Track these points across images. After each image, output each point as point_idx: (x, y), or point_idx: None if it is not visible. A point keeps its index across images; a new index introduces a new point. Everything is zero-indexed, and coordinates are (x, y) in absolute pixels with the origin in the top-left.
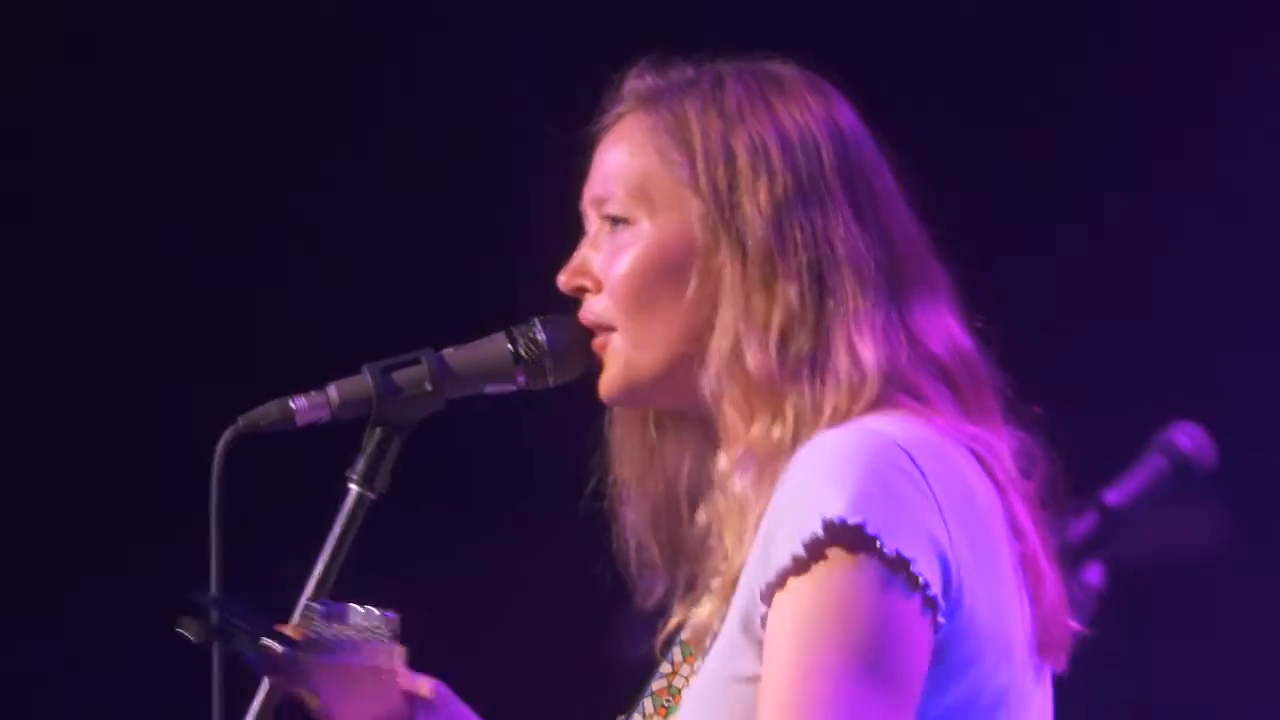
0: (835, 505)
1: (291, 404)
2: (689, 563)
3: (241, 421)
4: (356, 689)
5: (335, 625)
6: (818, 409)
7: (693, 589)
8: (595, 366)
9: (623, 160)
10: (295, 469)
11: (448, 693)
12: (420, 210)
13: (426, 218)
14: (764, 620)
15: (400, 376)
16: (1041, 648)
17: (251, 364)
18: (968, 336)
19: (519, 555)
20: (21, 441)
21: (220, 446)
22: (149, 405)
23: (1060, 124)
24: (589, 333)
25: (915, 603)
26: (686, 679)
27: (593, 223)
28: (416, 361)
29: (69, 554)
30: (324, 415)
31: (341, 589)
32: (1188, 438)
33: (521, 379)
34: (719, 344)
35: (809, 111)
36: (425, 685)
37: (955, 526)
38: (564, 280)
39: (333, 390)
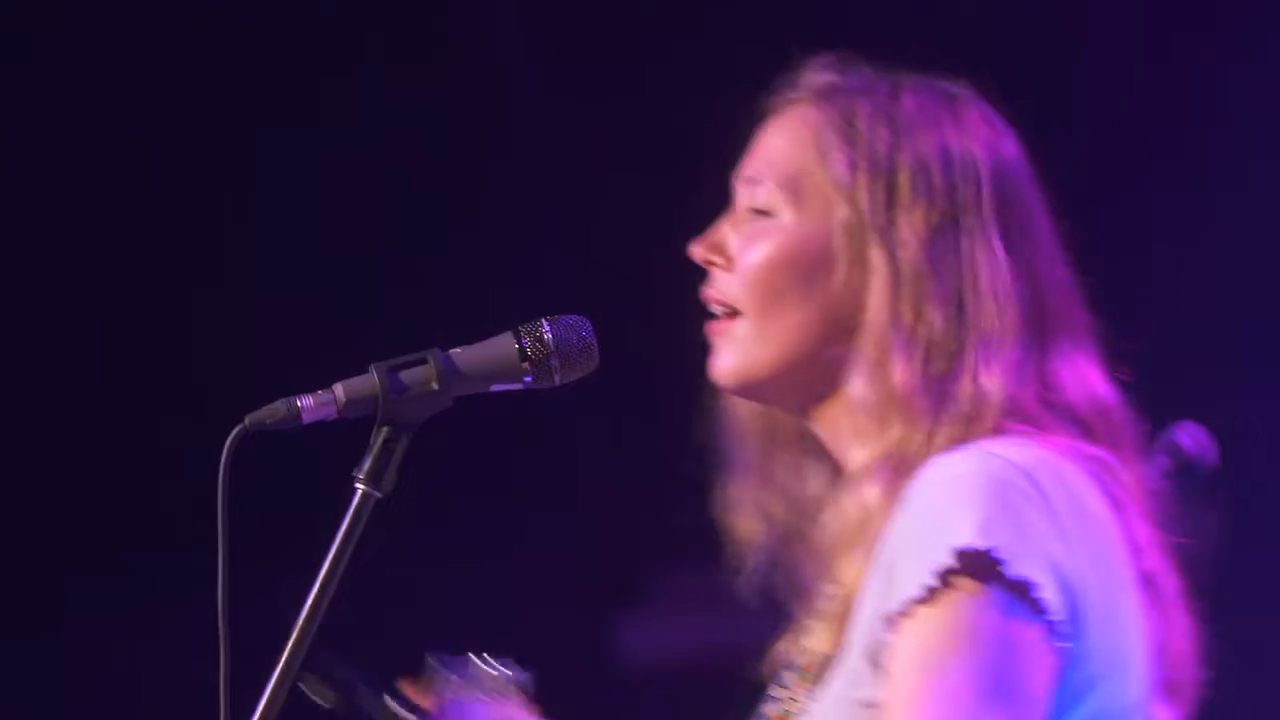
0: (963, 533)
1: (298, 402)
2: (789, 564)
3: (248, 420)
4: None
5: (461, 682)
6: (937, 433)
7: (801, 609)
8: (599, 367)
9: (781, 148)
10: (301, 468)
11: None
12: (424, 211)
13: (430, 218)
14: (887, 647)
15: (407, 375)
16: (1169, 691)
17: (256, 363)
18: (1108, 384)
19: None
20: (24, 442)
21: (227, 445)
22: (154, 404)
23: (1050, 124)
24: (591, 337)
25: (1039, 627)
26: (799, 703)
27: (741, 199)
28: (423, 361)
29: (72, 554)
30: (330, 414)
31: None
32: (1190, 438)
33: (528, 378)
34: (868, 351)
35: (976, 140)
36: None
37: (1076, 547)
38: (698, 252)
39: (339, 389)
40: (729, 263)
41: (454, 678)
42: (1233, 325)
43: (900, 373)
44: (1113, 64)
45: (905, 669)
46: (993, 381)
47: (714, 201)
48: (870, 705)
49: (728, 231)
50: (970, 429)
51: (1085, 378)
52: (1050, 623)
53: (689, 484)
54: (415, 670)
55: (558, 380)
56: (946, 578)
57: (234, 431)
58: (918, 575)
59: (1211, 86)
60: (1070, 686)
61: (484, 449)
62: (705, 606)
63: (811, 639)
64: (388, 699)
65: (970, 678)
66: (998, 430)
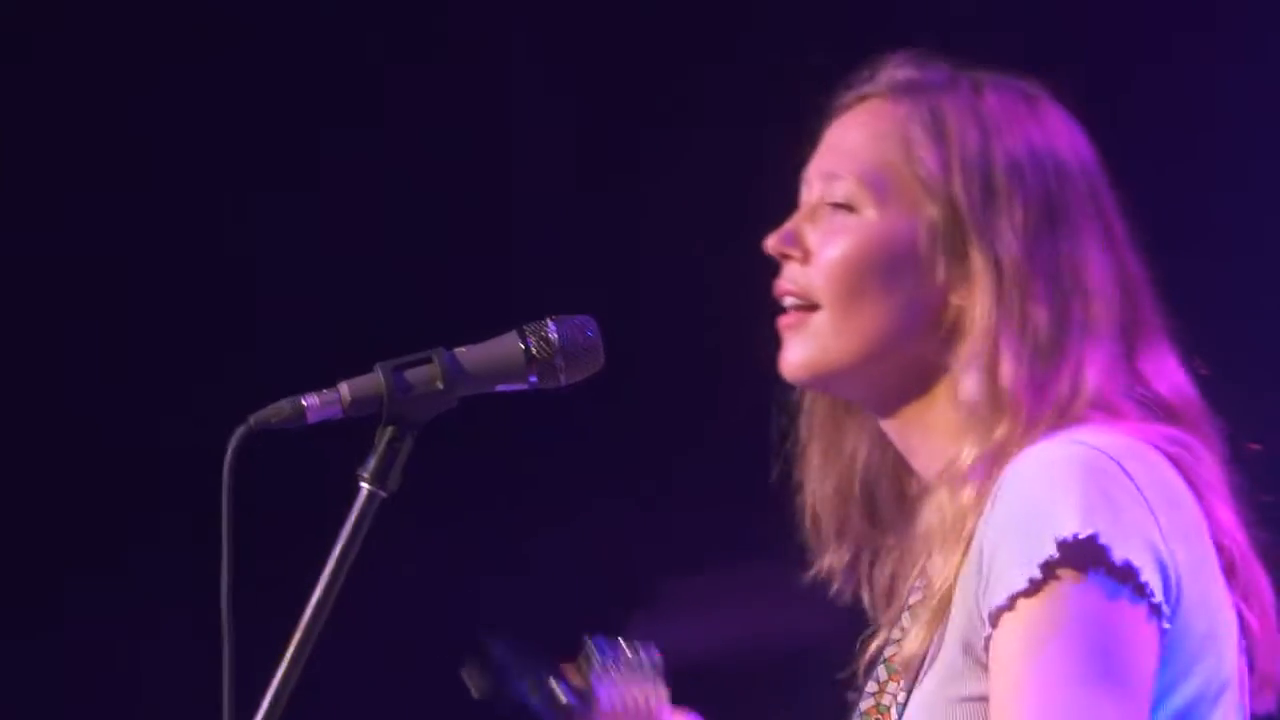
0: (1066, 523)
1: (303, 401)
2: (863, 548)
3: (253, 419)
4: None
5: (611, 666)
6: (1035, 428)
7: (890, 604)
8: (603, 367)
9: (863, 142)
10: (307, 467)
11: None
12: (425, 210)
13: (432, 218)
14: (988, 642)
15: (412, 375)
16: (1260, 678)
17: (256, 363)
18: (1188, 379)
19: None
20: (28, 443)
21: (232, 444)
22: (159, 402)
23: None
24: (597, 336)
25: (1142, 609)
26: (895, 697)
27: (814, 193)
28: (428, 360)
29: (78, 553)
30: (336, 413)
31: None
32: None
33: (533, 378)
34: (977, 351)
35: (1060, 139)
36: None
37: (1168, 529)
38: (773, 244)
39: (344, 388)
40: (806, 256)
41: (608, 661)
42: (1233, 325)
43: (1009, 372)
44: (1113, 64)
45: (1011, 660)
46: (1091, 377)
47: (709, 209)
48: (969, 700)
49: (803, 224)
50: (1060, 420)
51: (1171, 373)
52: (1153, 605)
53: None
54: (572, 655)
55: (563, 380)
56: (1050, 568)
57: (239, 431)
58: (1021, 567)
59: (1211, 87)
60: (1172, 667)
61: (484, 452)
62: (718, 606)
63: (905, 636)
64: (552, 681)
65: (1075, 663)
66: (1081, 420)
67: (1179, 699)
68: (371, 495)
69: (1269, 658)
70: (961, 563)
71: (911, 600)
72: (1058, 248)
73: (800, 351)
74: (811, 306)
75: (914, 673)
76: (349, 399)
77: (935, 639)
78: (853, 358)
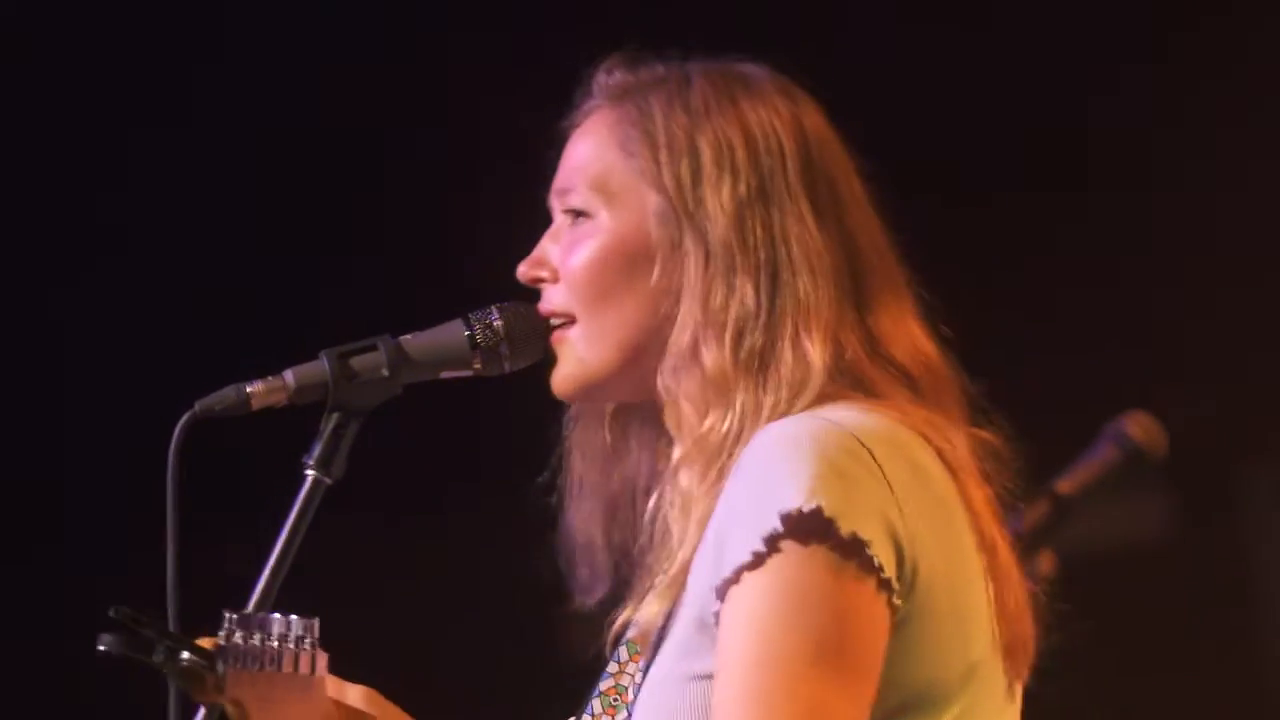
0: (792, 496)
1: (248, 389)
2: (636, 562)
3: (198, 406)
4: (281, 698)
5: (256, 635)
6: (760, 405)
7: (636, 586)
8: (550, 356)
9: (586, 153)
10: (252, 454)
11: (381, 699)
12: (371, 204)
13: (376, 210)
14: (718, 616)
15: (357, 362)
16: (1008, 651)
17: (209, 350)
18: (931, 342)
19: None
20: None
21: (177, 431)
22: (99, 391)
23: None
24: (546, 320)
25: (870, 585)
26: (634, 677)
27: (556, 215)
28: (374, 347)
29: (20, 543)
30: (280, 400)
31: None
32: (1139, 426)
33: (478, 365)
34: (678, 338)
35: (775, 113)
36: (355, 692)
37: (909, 508)
38: (523, 271)
39: (289, 375)
40: (554, 275)
41: (247, 629)
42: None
43: (709, 354)
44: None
45: (734, 634)
46: (814, 347)
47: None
48: (701, 677)
49: (548, 245)
50: (796, 396)
51: (909, 333)
52: (882, 579)
53: None
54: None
55: (507, 367)
56: (774, 542)
57: (184, 417)
58: (746, 541)
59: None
60: (909, 646)
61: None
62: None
63: (645, 612)
64: (177, 643)
65: (797, 637)
66: (833, 397)
67: (918, 678)
68: (317, 482)
69: (1019, 638)
70: (698, 542)
71: (657, 582)
72: (769, 221)
73: (562, 368)
74: (572, 320)
75: (651, 651)
76: (294, 386)
77: (672, 617)
78: (611, 363)
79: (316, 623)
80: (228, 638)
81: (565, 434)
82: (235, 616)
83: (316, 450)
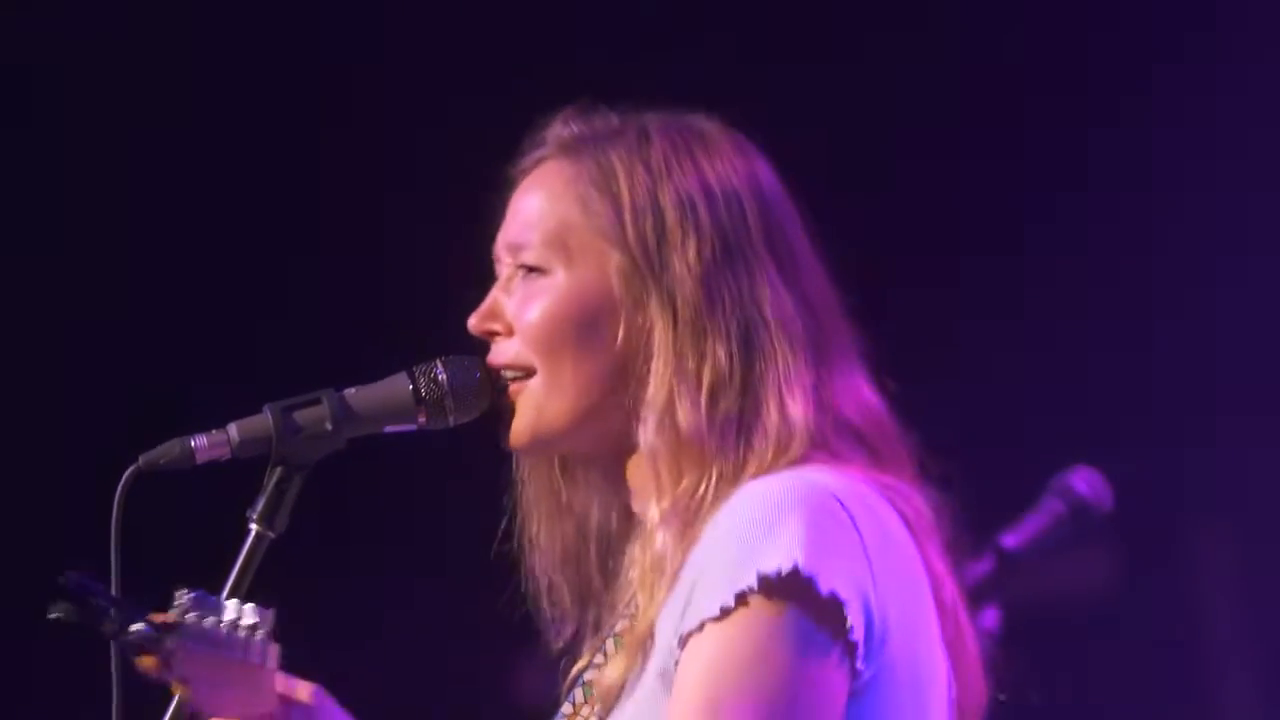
0: (770, 555)
1: (191, 443)
2: (597, 605)
3: (141, 460)
4: (228, 683)
5: (209, 616)
6: (741, 466)
7: (599, 630)
8: (496, 408)
9: (541, 207)
10: (195, 508)
11: (326, 698)
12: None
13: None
14: (677, 664)
15: (301, 416)
16: (961, 711)
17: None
18: (877, 396)
19: (426, 594)
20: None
21: (121, 485)
22: (48, 438)
23: (957, 157)
24: (491, 373)
25: (836, 649)
26: None
27: (505, 266)
28: (317, 401)
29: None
30: (224, 454)
31: None
32: (1085, 482)
33: (422, 419)
34: (653, 399)
35: (733, 170)
36: (303, 689)
37: (881, 574)
38: (474, 323)
39: (233, 429)
40: (508, 328)
41: (201, 609)
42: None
43: (686, 417)
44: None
45: (687, 681)
46: (796, 407)
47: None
48: None
49: (500, 297)
50: (779, 457)
51: (859, 393)
52: (849, 643)
53: None
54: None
55: (451, 421)
56: (744, 598)
57: (127, 471)
58: (717, 595)
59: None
60: (866, 708)
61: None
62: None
63: (608, 668)
64: (127, 614)
65: (750, 693)
66: (803, 459)
67: None
68: (260, 536)
69: (973, 704)
70: (666, 598)
71: (618, 628)
72: (737, 282)
73: (519, 420)
74: (529, 373)
75: (610, 701)
76: (237, 440)
77: (636, 669)
78: (568, 416)
79: (272, 613)
80: (181, 615)
81: (515, 480)
82: (190, 596)
83: (260, 505)
